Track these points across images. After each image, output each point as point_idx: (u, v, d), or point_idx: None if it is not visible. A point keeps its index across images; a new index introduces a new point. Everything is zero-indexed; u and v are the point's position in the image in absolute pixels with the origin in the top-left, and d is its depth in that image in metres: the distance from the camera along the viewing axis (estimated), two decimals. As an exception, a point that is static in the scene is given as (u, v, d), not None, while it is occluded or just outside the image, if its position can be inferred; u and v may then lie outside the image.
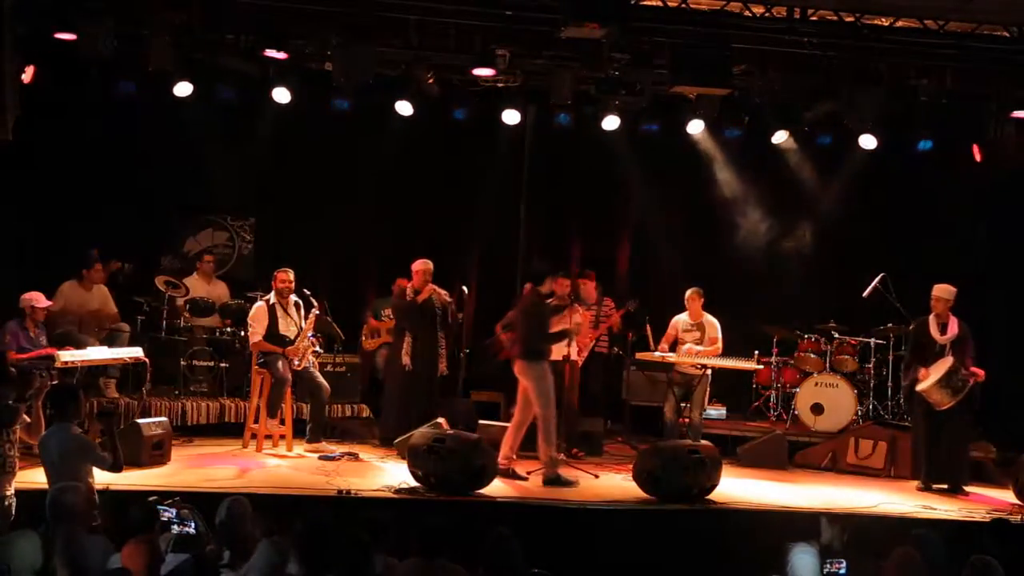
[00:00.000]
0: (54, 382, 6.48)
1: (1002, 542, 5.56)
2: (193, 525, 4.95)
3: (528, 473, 8.48)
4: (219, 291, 10.44)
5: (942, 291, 8.72)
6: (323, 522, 5.05)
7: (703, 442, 8.41)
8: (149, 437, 7.98)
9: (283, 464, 8.55)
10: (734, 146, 10.74)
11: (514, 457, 8.40)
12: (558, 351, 9.36)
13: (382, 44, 8.99)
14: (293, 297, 9.08)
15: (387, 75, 9.46)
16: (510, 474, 8.20)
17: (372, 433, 9.85)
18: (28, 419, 6.20)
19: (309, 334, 9.00)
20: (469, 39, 9.20)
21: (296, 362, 8.87)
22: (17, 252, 9.73)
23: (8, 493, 6.04)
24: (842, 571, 5.29)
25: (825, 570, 5.29)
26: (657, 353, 9.44)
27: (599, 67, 9.29)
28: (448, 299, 9.46)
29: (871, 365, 10.35)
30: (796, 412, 10.15)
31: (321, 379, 9.09)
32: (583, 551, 7.01)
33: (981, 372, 8.60)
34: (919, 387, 8.58)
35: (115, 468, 6.31)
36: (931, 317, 8.76)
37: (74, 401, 6.26)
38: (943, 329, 8.70)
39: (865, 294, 9.88)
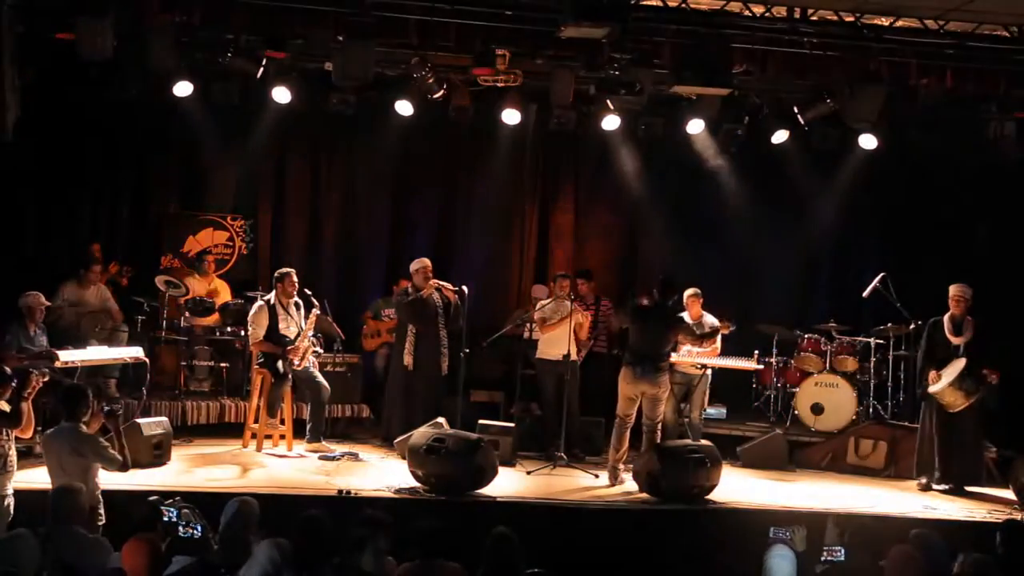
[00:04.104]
0: (45, 380, 6.47)
1: (1012, 542, 5.54)
2: (198, 527, 4.94)
3: (529, 473, 8.50)
4: (219, 291, 10.44)
5: (961, 291, 8.68)
6: (319, 522, 5.05)
7: (703, 442, 8.41)
8: (149, 437, 7.99)
9: (283, 464, 8.55)
10: (734, 146, 10.73)
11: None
12: (558, 351, 9.39)
13: (382, 44, 8.98)
14: (294, 297, 9.08)
15: (387, 75, 9.46)
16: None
17: (372, 433, 9.85)
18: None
19: (310, 334, 9.00)
20: (469, 39, 9.19)
21: (296, 362, 8.87)
22: (17, 252, 9.72)
23: (7, 492, 6.05)
24: (839, 558, 5.31)
25: (823, 558, 5.32)
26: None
27: (599, 67, 9.30)
28: (452, 291, 9.43)
29: (871, 365, 10.34)
30: (796, 412, 10.15)
31: (321, 379, 9.09)
32: (583, 551, 7.00)
33: (995, 374, 8.58)
34: (931, 389, 8.56)
35: (123, 468, 6.32)
36: (945, 318, 8.73)
37: (84, 401, 6.28)
38: (958, 330, 8.67)
39: (865, 294, 9.87)
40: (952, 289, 8.73)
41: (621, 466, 8.36)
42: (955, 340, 8.65)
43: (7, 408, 6.16)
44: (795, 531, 5.71)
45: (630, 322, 8.69)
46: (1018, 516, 7.80)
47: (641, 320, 8.56)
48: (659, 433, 8.44)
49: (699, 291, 9.52)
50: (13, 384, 6.15)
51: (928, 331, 8.85)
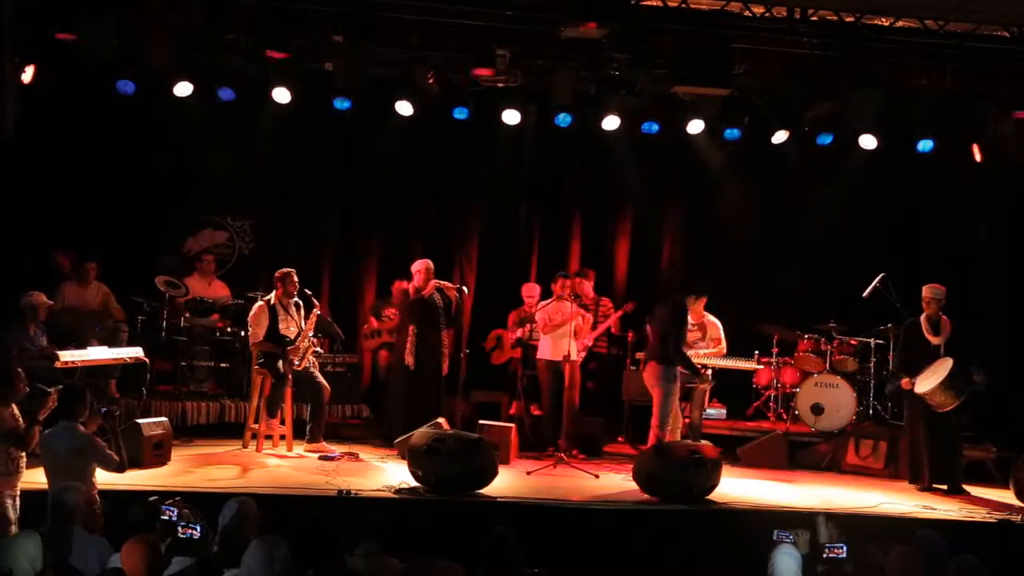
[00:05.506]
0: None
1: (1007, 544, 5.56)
2: (198, 528, 4.93)
3: (529, 473, 8.49)
4: (219, 291, 10.44)
5: (933, 291, 8.73)
6: (321, 523, 5.05)
7: (703, 442, 8.41)
8: (149, 437, 7.99)
9: (283, 464, 8.55)
10: (734, 146, 10.73)
11: None
12: (558, 351, 9.40)
13: (382, 44, 8.99)
14: (294, 297, 9.08)
15: (387, 75, 9.47)
16: None
17: (372, 433, 9.85)
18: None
19: (310, 334, 9.00)
20: (469, 39, 9.20)
21: (296, 362, 8.87)
22: (17, 252, 9.72)
23: (16, 494, 6.05)
24: (842, 556, 5.31)
25: (825, 555, 5.32)
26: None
27: (599, 67, 9.31)
28: (452, 288, 9.43)
29: (871, 365, 10.34)
30: (796, 412, 10.15)
31: (321, 379, 9.08)
32: (583, 551, 7.01)
33: (981, 373, 8.58)
34: (919, 389, 8.56)
35: (121, 468, 6.32)
36: (922, 318, 8.75)
37: (82, 401, 6.28)
38: (936, 330, 8.69)
39: (865, 294, 9.88)
40: (924, 290, 8.78)
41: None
42: (934, 340, 8.68)
43: (18, 414, 6.16)
44: (798, 534, 5.71)
45: None
46: (1017, 518, 7.80)
47: (670, 318, 8.83)
48: (659, 431, 8.47)
49: (701, 290, 9.52)
50: (39, 407, 6.17)
51: (905, 332, 8.88)
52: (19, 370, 6.38)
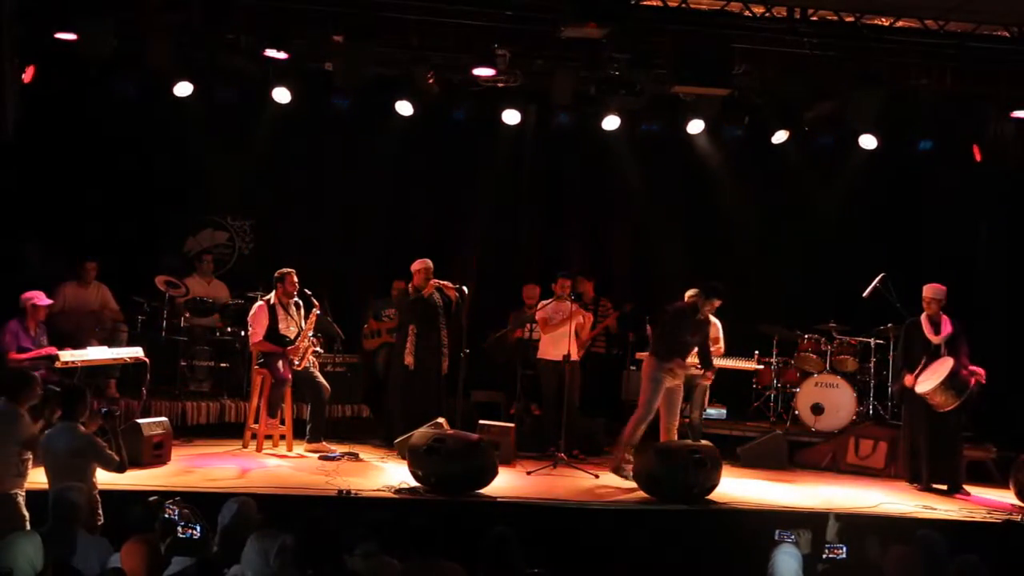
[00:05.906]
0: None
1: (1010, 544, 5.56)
2: (198, 528, 4.93)
3: (529, 473, 8.49)
4: (219, 291, 10.44)
5: (934, 291, 8.74)
6: (322, 523, 5.05)
7: (703, 442, 8.41)
8: (149, 437, 7.98)
9: (283, 464, 8.54)
10: (734, 146, 10.73)
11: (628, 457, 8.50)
12: (558, 351, 9.39)
13: (382, 44, 9.00)
14: (294, 297, 9.08)
15: (387, 75, 9.47)
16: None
17: (372, 433, 9.85)
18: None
19: (310, 334, 9.00)
20: (469, 39, 9.20)
21: (296, 362, 8.87)
22: (17, 252, 9.72)
23: (23, 494, 6.06)
24: (842, 556, 5.32)
25: (824, 555, 5.33)
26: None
27: (599, 67, 9.32)
28: (452, 288, 9.43)
29: (871, 365, 10.35)
30: (796, 412, 10.15)
31: (321, 379, 9.08)
32: (583, 551, 7.00)
33: (982, 371, 8.59)
34: (920, 389, 8.56)
35: (121, 468, 6.32)
36: (923, 317, 8.76)
37: (82, 401, 6.28)
38: (936, 329, 8.69)
39: (865, 294, 9.88)
40: (924, 290, 8.79)
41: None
42: (935, 339, 8.68)
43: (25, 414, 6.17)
44: (800, 534, 5.71)
45: None
46: (1017, 518, 7.80)
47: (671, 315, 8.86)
48: (636, 419, 8.56)
49: (700, 290, 9.50)
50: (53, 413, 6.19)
51: (905, 331, 8.88)
52: (35, 375, 6.38)
